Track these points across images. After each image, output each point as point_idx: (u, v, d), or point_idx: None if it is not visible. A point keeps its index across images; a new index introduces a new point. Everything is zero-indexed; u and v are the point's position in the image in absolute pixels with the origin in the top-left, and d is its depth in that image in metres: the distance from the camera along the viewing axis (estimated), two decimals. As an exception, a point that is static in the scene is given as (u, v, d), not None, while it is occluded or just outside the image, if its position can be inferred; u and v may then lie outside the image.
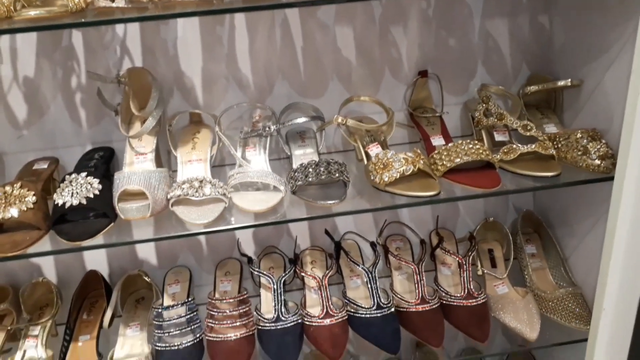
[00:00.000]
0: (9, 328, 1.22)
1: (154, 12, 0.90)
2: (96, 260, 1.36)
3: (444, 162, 1.09)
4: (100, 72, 1.15)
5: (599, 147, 1.08)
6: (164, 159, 1.22)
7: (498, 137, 1.20)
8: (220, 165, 1.28)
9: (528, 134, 1.12)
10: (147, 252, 1.39)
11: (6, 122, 1.20)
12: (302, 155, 1.20)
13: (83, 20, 0.87)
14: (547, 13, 1.28)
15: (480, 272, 1.31)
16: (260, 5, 0.93)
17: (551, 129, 1.22)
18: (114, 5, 0.88)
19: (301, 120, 1.17)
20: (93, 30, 1.15)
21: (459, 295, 1.22)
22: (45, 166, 1.18)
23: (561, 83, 1.19)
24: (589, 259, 1.21)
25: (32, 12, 0.87)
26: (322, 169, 1.07)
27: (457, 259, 1.26)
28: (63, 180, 1.04)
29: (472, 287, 1.23)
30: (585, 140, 1.10)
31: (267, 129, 1.18)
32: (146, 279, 1.26)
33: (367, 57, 1.26)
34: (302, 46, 1.24)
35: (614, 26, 1.06)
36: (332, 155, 1.31)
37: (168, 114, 1.21)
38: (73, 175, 1.04)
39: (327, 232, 1.34)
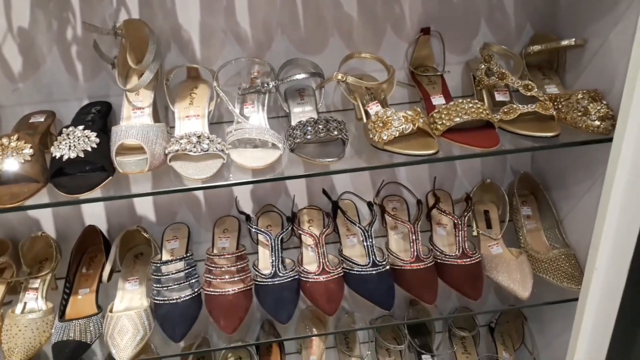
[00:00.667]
0: (9, 281, 1.24)
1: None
2: (95, 215, 1.36)
3: (444, 121, 1.08)
4: (96, 24, 1.13)
5: (599, 108, 1.07)
6: (162, 114, 1.21)
7: (499, 97, 1.19)
8: (218, 122, 1.27)
9: (529, 93, 1.11)
10: (145, 209, 1.39)
11: (2, 74, 1.18)
12: (301, 113, 1.19)
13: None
14: (554, -30, 1.25)
15: (475, 233, 1.33)
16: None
17: (552, 89, 1.20)
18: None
19: (300, 76, 1.16)
20: (88, -21, 1.12)
21: (453, 254, 1.24)
22: (42, 119, 1.18)
23: (564, 42, 1.17)
24: (584, 221, 1.22)
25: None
26: (320, 126, 1.06)
27: (453, 219, 1.27)
28: (60, 133, 1.04)
29: (466, 246, 1.25)
30: (586, 101, 1.09)
31: (265, 85, 1.17)
32: (145, 234, 1.27)
33: (369, 13, 1.24)
34: (303, 0, 1.21)
35: None
36: (332, 114, 1.30)
37: (165, 68, 1.19)
38: (70, 128, 1.03)
39: (324, 192, 1.34)
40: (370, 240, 1.22)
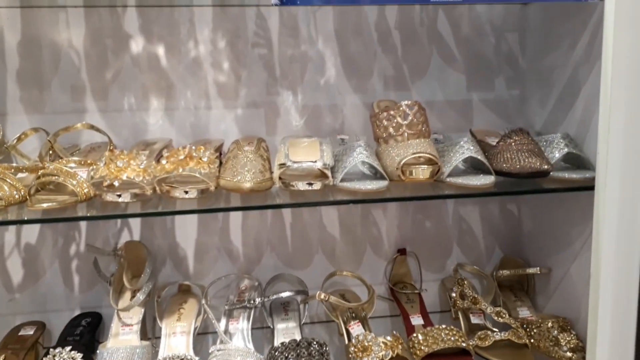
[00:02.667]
0: None
1: (156, 203, 1.01)
2: None
3: (422, 348, 1.12)
4: (99, 242, 1.23)
5: (569, 339, 1.13)
6: (149, 325, 1.25)
7: (474, 320, 1.24)
8: (204, 332, 1.30)
9: (501, 320, 1.17)
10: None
11: (0, 286, 1.25)
12: (285, 330, 1.23)
13: (89, 214, 0.97)
14: (515, 202, 1.40)
15: None
16: (256, 206, 1.03)
17: (524, 312, 1.27)
18: (120, 200, 0.98)
19: (285, 294, 1.23)
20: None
21: None
22: (31, 332, 1.20)
23: (530, 270, 1.27)
24: None
25: (45, 204, 0.96)
26: (303, 350, 1.09)
27: None
28: (47, 354, 1.06)
29: None
30: (556, 331, 1.15)
31: (252, 301, 1.23)
32: None
33: (350, 234, 1.36)
34: (291, 222, 1.34)
35: (575, 224, 1.17)
36: (315, 325, 1.34)
37: (159, 282, 1.26)
38: (57, 350, 1.06)
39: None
40: None
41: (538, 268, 1.26)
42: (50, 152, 1.15)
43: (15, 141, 1.18)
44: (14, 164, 1.10)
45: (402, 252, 1.35)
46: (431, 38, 1.34)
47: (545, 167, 1.03)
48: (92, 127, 1.18)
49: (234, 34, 1.29)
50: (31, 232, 1.25)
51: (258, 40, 1.31)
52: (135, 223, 1.27)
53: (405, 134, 1.11)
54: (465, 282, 1.25)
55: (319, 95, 1.34)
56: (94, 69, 1.25)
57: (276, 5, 0.92)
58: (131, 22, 1.25)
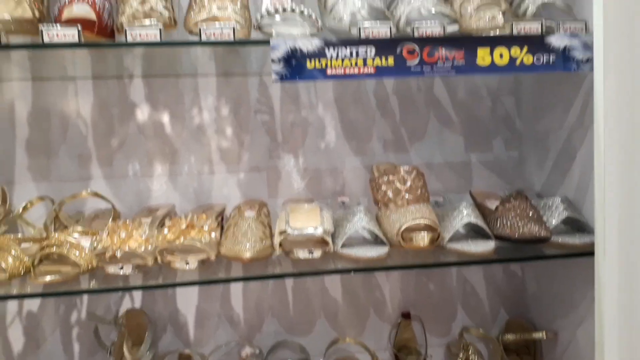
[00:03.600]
0: None
1: (157, 273, 1.01)
2: None
3: (427, 420, 1.09)
4: (100, 309, 1.22)
5: (578, 409, 1.09)
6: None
7: (481, 388, 1.22)
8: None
9: (508, 388, 1.15)
10: None
11: (1, 354, 1.24)
12: (287, 398, 1.21)
13: (91, 286, 0.97)
14: (518, 264, 1.39)
15: None
16: (256, 276, 1.03)
17: (531, 379, 1.24)
18: (120, 273, 0.98)
19: (287, 364, 1.21)
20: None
21: None
22: (29, 404, 1.19)
23: (536, 335, 1.25)
24: None
25: (48, 278, 0.97)
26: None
27: None
28: None
29: None
30: (564, 400, 1.11)
31: (253, 371, 1.21)
32: None
33: (353, 298, 1.35)
34: (293, 287, 1.33)
35: (579, 288, 1.16)
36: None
37: (160, 351, 1.25)
38: None
39: None
40: None
41: (544, 332, 1.24)
42: (55, 220, 1.17)
43: (20, 210, 1.20)
44: (19, 235, 1.11)
45: (406, 316, 1.34)
46: (428, 102, 1.38)
47: (545, 234, 1.04)
48: (96, 194, 1.21)
49: (237, 102, 1.33)
50: (33, 301, 1.24)
51: (260, 107, 1.35)
52: (137, 291, 1.27)
53: (405, 199, 1.12)
54: (471, 347, 1.23)
55: (319, 158, 1.37)
56: (100, 137, 1.29)
57: (276, 82, 0.96)
58: (137, 91, 1.30)
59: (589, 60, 1.00)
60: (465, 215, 1.10)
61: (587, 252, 1.03)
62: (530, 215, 1.08)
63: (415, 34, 0.99)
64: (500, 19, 1.04)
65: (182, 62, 1.22)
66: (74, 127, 1.28)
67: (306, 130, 1.37)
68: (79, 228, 1.10)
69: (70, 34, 0.92)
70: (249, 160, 1.35)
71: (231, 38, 0.96)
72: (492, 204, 1.19)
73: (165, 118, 1.31)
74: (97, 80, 1.28)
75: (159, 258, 1.02)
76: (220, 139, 1.33)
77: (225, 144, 1.34)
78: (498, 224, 1.10)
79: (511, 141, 1.40)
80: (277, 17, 1.02)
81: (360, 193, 1.35)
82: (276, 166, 1.36)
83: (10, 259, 1.01)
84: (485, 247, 1.06)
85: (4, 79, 1.26)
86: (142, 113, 1.31)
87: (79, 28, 0.92)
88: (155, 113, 1.31)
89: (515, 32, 1.01)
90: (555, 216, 1.13)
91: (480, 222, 1.10)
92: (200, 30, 0.96)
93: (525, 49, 0.99)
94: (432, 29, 1.00)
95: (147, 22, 0.97)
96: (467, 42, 0.98)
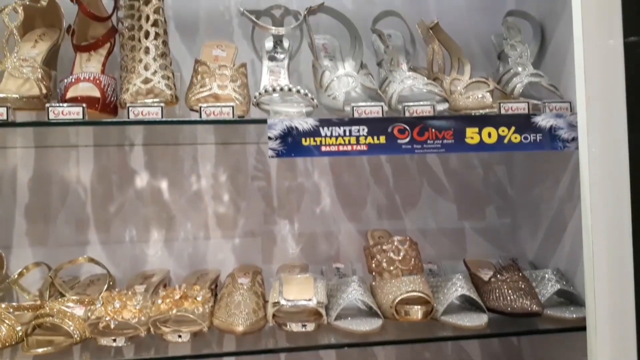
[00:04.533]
0: None
1: (150, 345, 1.01)
2: None
3: None
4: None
5: None
6: None
7: None
8: None
9: None
10: None
11: None
12: None
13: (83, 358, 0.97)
14: (513, 332, 1.39)
15: None
16: (249, 351, 1.02)
17: None
18: (113, 345, 0.98)
19: None
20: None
21: None
22: None
23: (533, 409, 1.23)
24: None
25: (40, 349, 0.96)
26: None
27: None
28: None
29: None
30: None
31: None
32: None
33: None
34: (286, 357, 1.32)
35: (574, 358, 1.15)
36: None
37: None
38: None
39: None
40: None
41: (540, 406, 1.22)
42: (50, 287, 1.17)
43: (16, 276, 1.20)
44: (13, 303, 1.11)
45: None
46: (421, 171, 1.41)
47: (536, 308, 1.04)
48: (92, 260, 1.21)
49: (234, 169, 1.36)
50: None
51: (257, 174, 1.38)
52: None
53: (399, 269, 1.13)
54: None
55: (314, 223, 1.39)
56: (99, 203, 1.31)
57: (272, 157, 0.99)
58: (138, 158, 1.33)
59: (574, 139, 1.04)
60: (459, 287, 1.11)
61: (580, 327, 1.03)
62: (523, 288, 1.09)
63: (407, 114, 1.04)
64: (488, 98, 1.08)
65: (182, 132, 1.26)
66: (74, 193, 1.31)
67: (302, 196, 1.39)
68: (74, 297, 1.10)
69: (75, 112, 0.96)
70: (245, 225, 1.36)
71: (230, 116, 1.00)
72: (485, 274, 1.20)
73: (164, 185, 1.34)
74: (99, 147, 1.32)
75: (152, 329, 1.02)
76: (216, 205, 1.36)
77: (222, 210, 1.36)
78: (491, 297, 1.11)
79: (504, 209, 1.43)
80: (275, 96, 1.07)
81: (355, 258, 1.36)
82: (271, 231, 1.37)
83: (4, 329, 1.01)
84: (478, 321, 1.06)
85: (8, 146, 1.29)
86: (141, 179, 1.33)
87: (84, 107, 0.96)
88: (153, 180, 1.34)
89: (503, 111, 1.06)
90: (547, 288, 1.14)
91: (473, 295, 1.10)
92: (200, 108, 1.00)
93: (512, 129, 1.03)
94: (423, 108, 1.04)
95: (149, 100, 1.01)
96: (456, 121, 1.03)
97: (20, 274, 1.21)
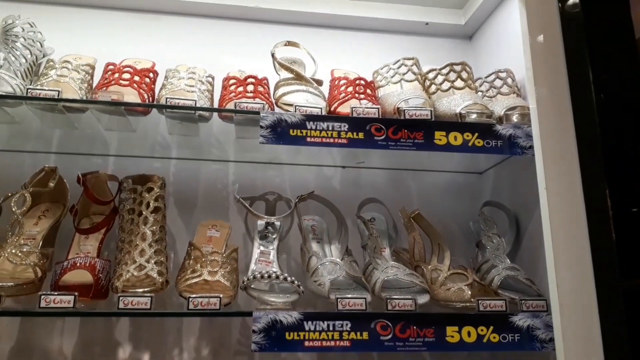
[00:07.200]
0: None
1: None
2: None
3: None
4: None
5: None
6: None
7: None
8: None
9: None
10: None
11: None
12: None
13: None
14: None
15: None
16: None
17: None
18: None
19: None
20: None
21: None
22: None
23: None
24: None
25: None
26: None
27: None
28: None
29: None
30: None
31: None
32: None
33: None
34: None
35: None
36: None
37: None
38: None
39: None
40: None
41: None
42: None
43: None
44: None
45: None
46: None
47: None
48: None
49: (218, 342, 1.35)
50: None
51: (240, 348, 1.36)
52: None
53: None
54: None
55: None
56: (78, 377, 1.28)
57: (255, 351, 1.00)
58: (122, 330, 1.33)
59: (551, 340, 1.06)
60: None
61: None
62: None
63: (389, 306, 1.07)
64: (467, 292, 1.13)
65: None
66: (54, 365, 1.28)
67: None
68: None
69: (66, 300, 0.98)
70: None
71: (217, 307, 1.03)
72: None
73: (146, 358, 1.32)
74: (85, 318, 1.32)
75: None
76: (196, 379, 1.32)
77: (201, 388, 1.32)
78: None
79: None
80: (263, 284, 1.11)
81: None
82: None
83: None
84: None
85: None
86: (124, 352, 1.32)
87: (76, 295, 0.99)
88: (135, 352, 1.32)
89: (481, 308, 1.09)
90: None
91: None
92: (188, 299, 1.03)
93: (491, 328, 1.06)
94: (404, 301, 1.08)
95: (139, 290, 1.04)
96: (437, 320, 1.06)
97: None
